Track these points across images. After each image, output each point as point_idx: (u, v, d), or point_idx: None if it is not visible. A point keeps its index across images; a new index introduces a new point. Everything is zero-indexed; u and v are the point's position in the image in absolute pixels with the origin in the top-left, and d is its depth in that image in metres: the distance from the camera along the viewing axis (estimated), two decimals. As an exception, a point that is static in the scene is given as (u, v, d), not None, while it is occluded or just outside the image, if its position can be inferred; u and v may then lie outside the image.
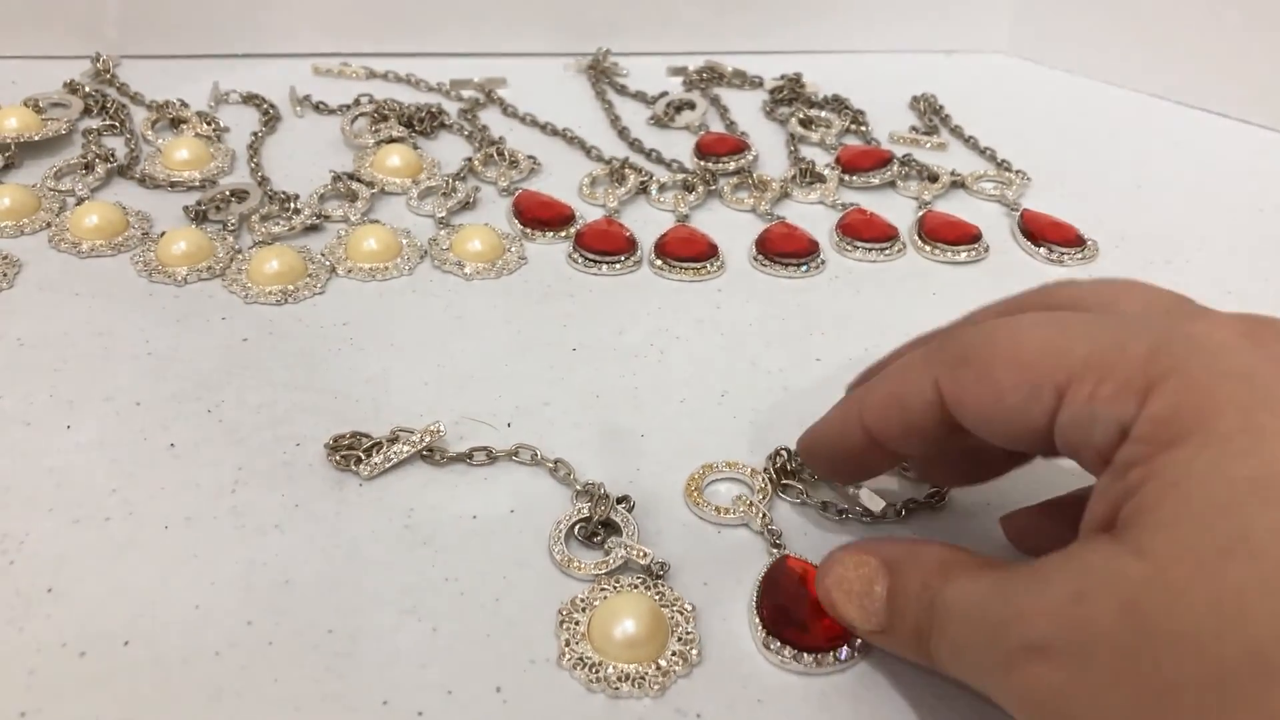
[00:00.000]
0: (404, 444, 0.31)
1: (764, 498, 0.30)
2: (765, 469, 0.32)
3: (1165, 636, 0.18)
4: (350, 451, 0.31)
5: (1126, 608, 0.18)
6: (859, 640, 0.26)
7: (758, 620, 0.26)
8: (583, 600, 0.27)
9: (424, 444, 0.31)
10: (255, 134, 0.52)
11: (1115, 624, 0.18)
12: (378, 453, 0.31)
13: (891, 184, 0.51)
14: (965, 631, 0.22)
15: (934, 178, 0.51)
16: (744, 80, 0.63)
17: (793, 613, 0.26)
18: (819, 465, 0.29)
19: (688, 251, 0.43)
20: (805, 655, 0.25)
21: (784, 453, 0.32)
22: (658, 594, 0.27)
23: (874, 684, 0.26)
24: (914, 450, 0.26)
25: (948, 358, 0.24)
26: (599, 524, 0.29)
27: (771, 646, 0.26)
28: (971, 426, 0.23)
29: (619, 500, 0.30)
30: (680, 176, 0.50)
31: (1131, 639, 0.18)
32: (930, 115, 0.59)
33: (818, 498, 0.31)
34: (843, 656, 0.26)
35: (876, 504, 0.30)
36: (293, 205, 0.45)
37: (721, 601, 0.27)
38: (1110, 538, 0.20)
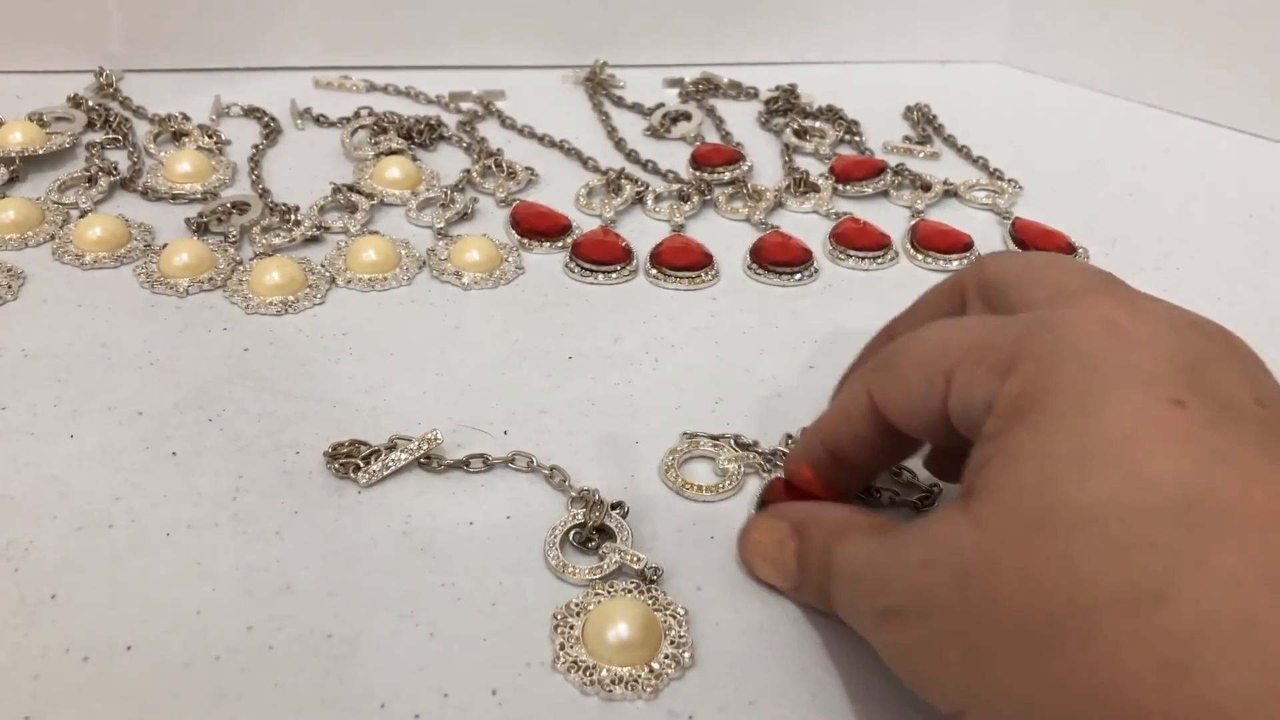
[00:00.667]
0: (402, 452, 0.32)
1: (740, 466, 0.32)
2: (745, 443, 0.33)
3: (986, 601, 0.20)
4: (349, 459, 0.32)
5: (960, 575, 0.21)
6: None
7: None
8: (577, 605, 0.27)
9: (421, 452, 0.32)
10: (256, 147, 0.52)
11: (950, 590, 0.21)
12: (376, 460, 0.32)
13: (885, 193, 0.52)
14: (848, 591, 0.25)
15: (927, 187, 0.51)
16: (739, 91, 0.64)
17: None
18: (822, 473, 0.31)
19: (683, 261, 0.43)
20: None
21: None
22: (651, 598, 0.28)
23: (867, 685, 0.26)
24: (867, 462, 0.28)
25: (874, 367, 0.27)
26: (593, 530, 0.30)
27: None
28: (895, 423, 0.26)
29: (613, 506, 0.30)
30: (676, 186, 0.51)
31: (961, 603, 0.20)
32: (924, 125, 0.60)
33: None
34: None
35: None
36: (293, 217, 0.45)
37: (714, 605, 0.28)
38: (960, 506, 0.22)
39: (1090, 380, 0.21)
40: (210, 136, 0.53)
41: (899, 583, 0.22)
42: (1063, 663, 0.18)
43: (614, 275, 0.43)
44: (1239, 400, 0.20)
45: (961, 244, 0.46)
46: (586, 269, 0.43)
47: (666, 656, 0.26)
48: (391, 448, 0.32)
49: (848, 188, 0.51)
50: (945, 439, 0.25)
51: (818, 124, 0.58)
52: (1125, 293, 0.25)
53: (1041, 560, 0.19)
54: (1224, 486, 0.18)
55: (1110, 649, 0.18)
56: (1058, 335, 0.22)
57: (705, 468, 0.33)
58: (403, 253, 0.43)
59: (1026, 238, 0.47)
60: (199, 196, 0.48)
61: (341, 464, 0.31)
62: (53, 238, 0.43)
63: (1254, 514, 0.18)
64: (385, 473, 0.31)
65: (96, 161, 0.49)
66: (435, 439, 0.32)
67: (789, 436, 0.34)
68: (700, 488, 0.32)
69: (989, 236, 0.48)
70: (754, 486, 0.32)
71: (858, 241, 0.46)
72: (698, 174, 0.52)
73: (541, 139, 0.56)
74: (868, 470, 0.29)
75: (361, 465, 0.31)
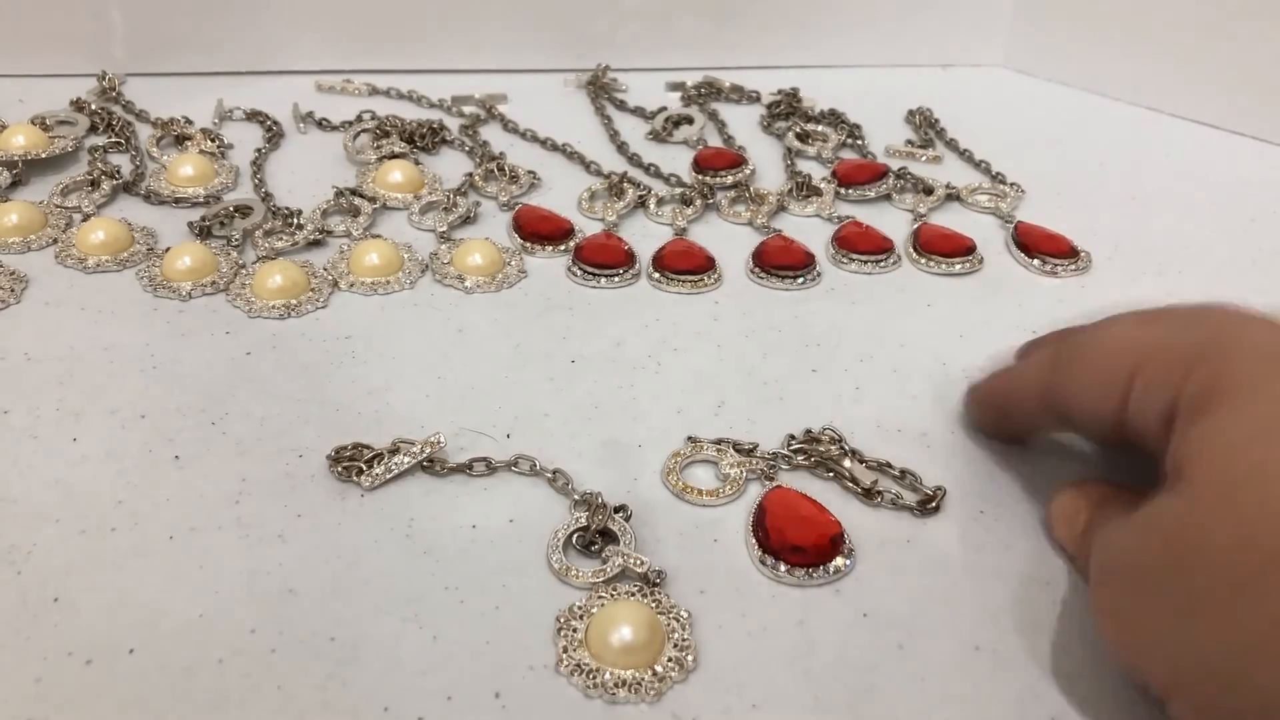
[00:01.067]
0: (405, 455, 0.32)
1: (743, 470, 0.32)
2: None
3: (1195, 557, 0.22)
4: (352, 463, 0.32)
5: (1167, 541, 0.22)
6: (850, 551, 0.29)
7: (754, 541, 0.30)
8: (580, 608, 0.27)
9: (424, 455, 0.32)
10: (259, 150, 0.52)
11: (1160, 551, 0.23)
12: (379, 464, 0.31)
13: (887, 197, 0.52)
14: (1092, 562, 0.26)
15: (929, 190, 0.51)
16: (741, 95, 0.64)
17: (786, 533, 0.29)
18: (986, 417, 0.34)
19: (685, 264, 0.43)
20: (798, 569, 0.29)
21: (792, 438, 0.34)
22: (654, 601, 0.28)
23: (870, 689, 0.26)
24: (1035, 425, 0.32)
25: (1056, 357, 0.30)
26: (596, 533, 0.30)
27: (767, 563, 0.29)
28: (1067, 416, 0.29)
29: (616, 509, 0.30)
30: (678, 190, 0.51)
31: (1171, 561, 0.22)
32: (926, 129, 0.60)
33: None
34: (834, 568, 0.29)
35: (867, 478, 0.32)
36: (296, 220, 0.45)
37: (717, 609, 0.28)
38: (1165, 490, 0.24)
39: (1274, 370, 0.23)
40: (213, 140, 0.53)
41: (1114, 554, 0.24)
42: (1276, 605, 0.20)
43: (616, 279, 0.43)
44: None
45: (964, 248, 0.46)
46: (589, 273, 0.43)
47: (669, 659, 0.26)
48: (394, 451, 0.32)
49: (850, 191, 0.51)
50: (1112, 438, 0.27)
51: (820, 128, 0.58)
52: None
53: (1255, 512, 0.21)
54: None
55: None
56: (1239, 336, 0.24)
57: (707, 472, 0.33)
58: (405, 256, 0.43)
59: (1029, 241, 0.47)
60: (201, 200, 0.48)
61: (344, 467, 0.31)
62: (55, 241, 0.43)
63: None
64: (388, 476, 0.31)
65: (99, 165, 0.49)
66: (438, 442, 0.32)
67: (791, 438, 0.34)
68: (701, 492, 0.32)
69: (991, 240, 0.48)
70: (755, 491, 0.32)
71: (860, 245, 0.46)
72: (700, 178, 0.52)
73: (544, 143, 0.56)
74: (1031, 431, 0.33)
75: (364, 468, 0.31)
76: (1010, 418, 0.33)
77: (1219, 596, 0.21)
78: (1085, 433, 0.31)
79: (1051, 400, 0.29)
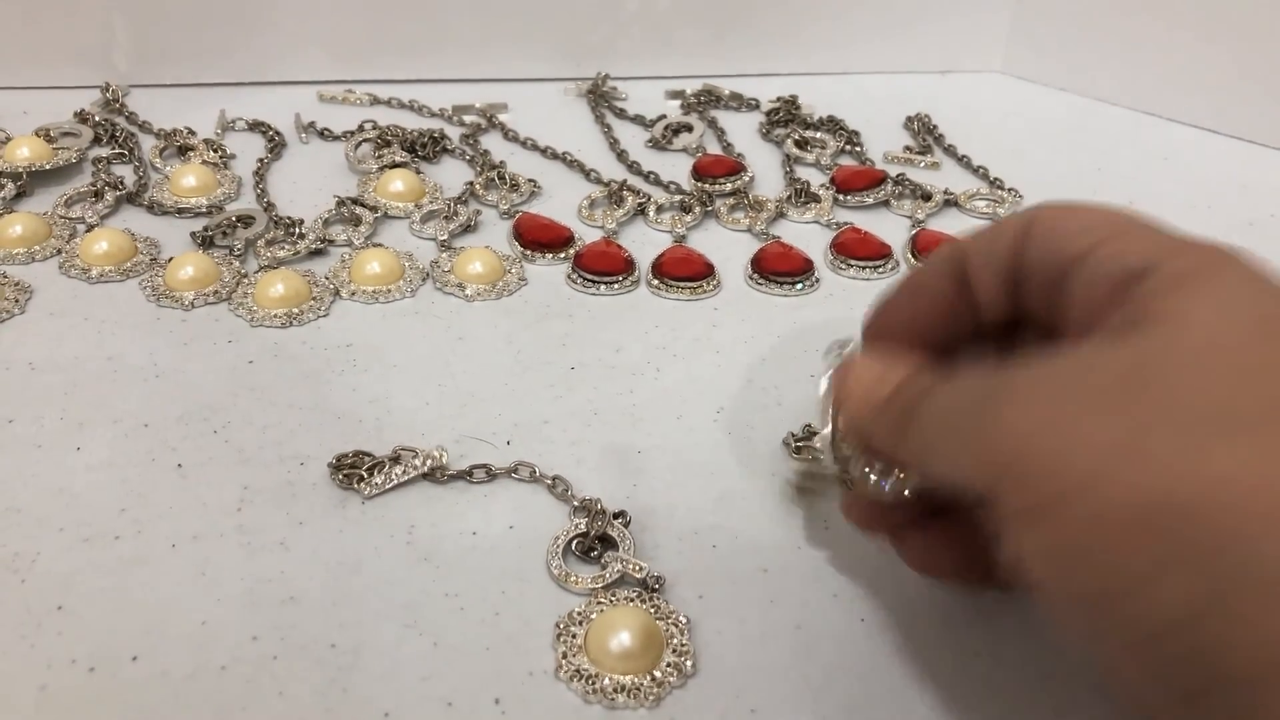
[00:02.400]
0: (406, 467, 0.32)
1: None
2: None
3: (1167, 379, 0.19)
4: (353, 470, 0.32)
5: (1132, 366, 0.19)
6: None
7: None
8: (580, 614, 0.27)
9: (425, 469, 0.32)
10: (261, 160, 0.53)
11: (1120, 378, 0.19)
12: (379, 473, 0.32)
13: (885, 203, 0.52)
14: (943, 420, 0.23)
15: (927, 196, 0.52)
16: (740, 102, 0.64)
17: None
18: (881, 329, 0.29)
19: (684, 271, 0.44)
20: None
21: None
22: (653, 607, 0.28)
23: (868, 694, 0.26)
24: (988, 306, 0.26)
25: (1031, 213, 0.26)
26: (596, 539, 0.30)
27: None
28: (979, 276, 0.26)
29: (615, 515, 0.30)
30: (678, 198, 0.51)
31: (1135, 384, 0.19)
32: (924, 135, 0.60)
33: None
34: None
35: (829, 458, 0.30)
36: (297, 230, 0.46)
37: (716, 614, 0.28)
38: (1102, 337, 0.21)
39: (1254, 269, 0.21)
40: (215, 151, 0.53)
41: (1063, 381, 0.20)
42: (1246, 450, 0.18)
43: (616, 286, 0.43)
44: None
45: (962, 253, 0.46)
46: (589, 280, 0.43)
47: (668, 665, 0.26)
48: (395, 459, 0.32)
49: (848, 198, 0.51)
50: (1014, 305, 0.25)
51: (819, 134, 0.59)
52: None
53: (1216, 361, 0.19)
54: None
55: None
56: (1225, 255, 0.22)
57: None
58: (406, 265, 0.44)
59: (1027, 246, 0.47)
60: (204, 210, 0.48)
61: (345, 475, 0.32)
62: (59, 252, 0.44)
63: None
64: (388, 485, 0.31)
65: (103, 176, 0.49)
66: (440, 457, 0.32)
67: (792, 435, 0.34)
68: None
69: (989, 245, 0.48)
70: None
71: (859, 251, 0.46)
72: (699, 185, 0.52)
73: (544, 151, 0.56)
74: (973, 321, 0.27)
75: (365, 476, 0.32)
76: (969, 271, 0.27)
77: (1188, 424, 0.18)
78: (988, 294, 0.26)
79: (1015, 250, 0.25)
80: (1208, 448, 0.18)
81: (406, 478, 0.32)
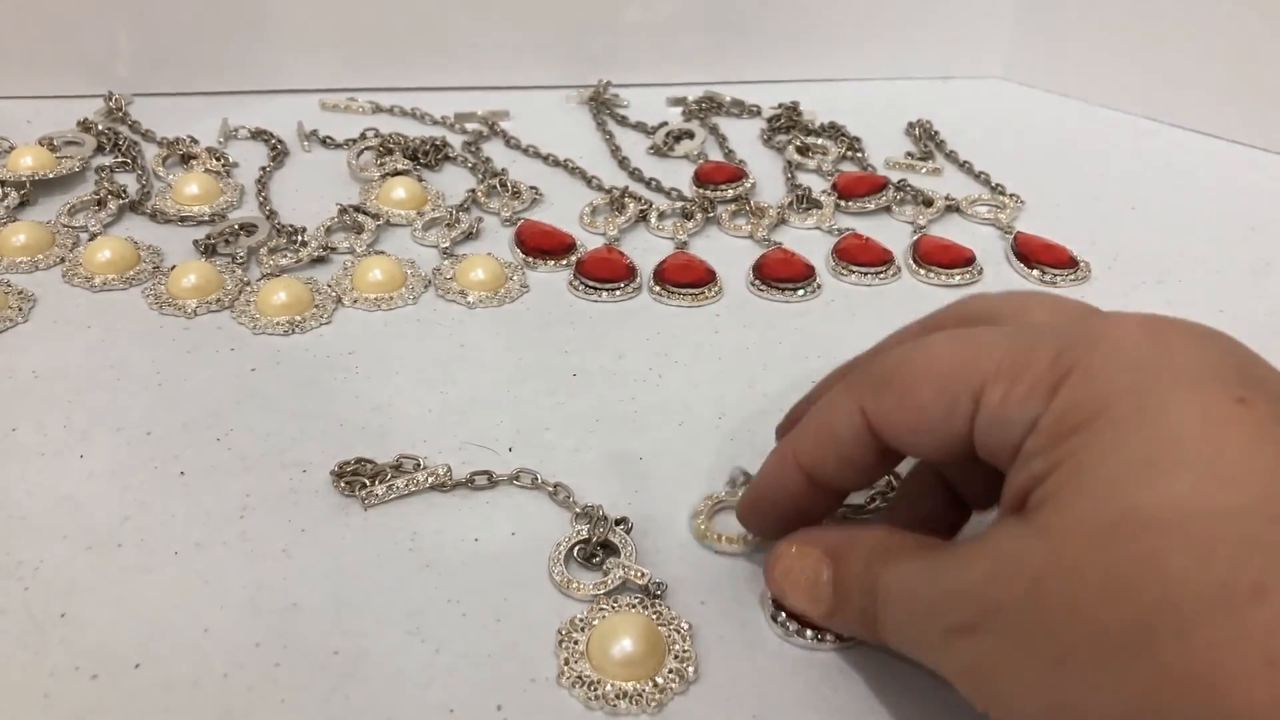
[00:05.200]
0: (409, 481, 0.32)
1: None
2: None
3: (1065, 608, 0.19)
4: (355, 477, 0.32)
5: (1032, 583, 0.20)
6: None
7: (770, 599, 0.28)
8: (582, 620, 0.27)
9: (427, 484, 0.32)
10: (263, 169, 0.53)
11: (1023, 600, 0.20)
12: (381, 482, 0.32)
13: (887, 209, 0.52)
14: (904, 613, 0.23)
15: (929, 202, 0.52)
16: (742, 109, 0.64)
17: None
18: (763, 525, 0.29)
19: (686, 278, 0.44)
20: (807, 630, 0.27)
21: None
22: (655, 613, 0.28)
23: (870, 700, 0.26)
24: (850, 484, 0.27)
25: (870, 384, 0.25)
26: (597, 545, 0.30)
27: (778, 620, 0.27)
28: (899, 445, 0.25)
29: (617, 522, 0.30)
30: (679, 204, 0.51)
31: (1037, 611, 0.20)
32: (925, 141, 0.60)
33: None
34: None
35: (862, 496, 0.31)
36: (300, 238, 0.46)
37: (718, 620, 0.28)
38: (1020, 519, 0.21)
39: (1149, 385, 0.20)
40: (218, 159, 0.53)
41: (966, 598, 0.21)
42: (1155, 665, 0.18)
43: (618, 293, 0.43)
44: None
45: (963, 259, 0.46)
46: (590, 287, 0.43)
47: (670, 671, 0.26)
48: (397, 467, 0.32)
49: (850, 204, 0.52)
50: (956, 460, 0.24)
51: (820, 141, 0.59)
52: (1123, 312, 0.24)
53: (1125, 562, 0.19)
54: None
55: (1209, 648, 0.17)
56: (1103, 345, 0.21)
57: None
58: (408, 272, 0.44)
59: (1028, 252, 0.47)
60: (207, 218, 0.48)
61: (348, 482, 0.32)
62: (63, 260, 0.44)
63: None
64: (390, 497, 0.31)
65: (106, 185, 0.49)
66: (444, 475, 0.32)
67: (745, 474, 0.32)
68: (732, 539, 0.30)
69: (991, 251, 0.48)
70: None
71: (860, 257, 0.46)
72: (701, 191, 0.52)
73: (546, 158, 0.56)
74: (845, 492, 0.28)
75: (368, 483, 0.32)
76: (827, 477, 0.27)
77: (1093, 653, 0.19)
78: (922, 456, 0.27)
79: (873, 432, 0.25)
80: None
81: (409, 491, 0.32)
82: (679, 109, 0.64)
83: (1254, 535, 0.18)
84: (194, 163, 0.53)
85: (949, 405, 0.23)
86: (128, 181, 0.51)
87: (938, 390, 0.23)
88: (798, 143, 0.58)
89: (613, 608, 0.28)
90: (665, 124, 0.61)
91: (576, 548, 0.30)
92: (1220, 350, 0.21)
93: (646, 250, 0.47)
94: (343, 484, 0.32)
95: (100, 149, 0.54)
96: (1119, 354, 0.21)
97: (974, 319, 0.26)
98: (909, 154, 0.58)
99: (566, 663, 0.26)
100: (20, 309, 0.40)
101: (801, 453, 0.27)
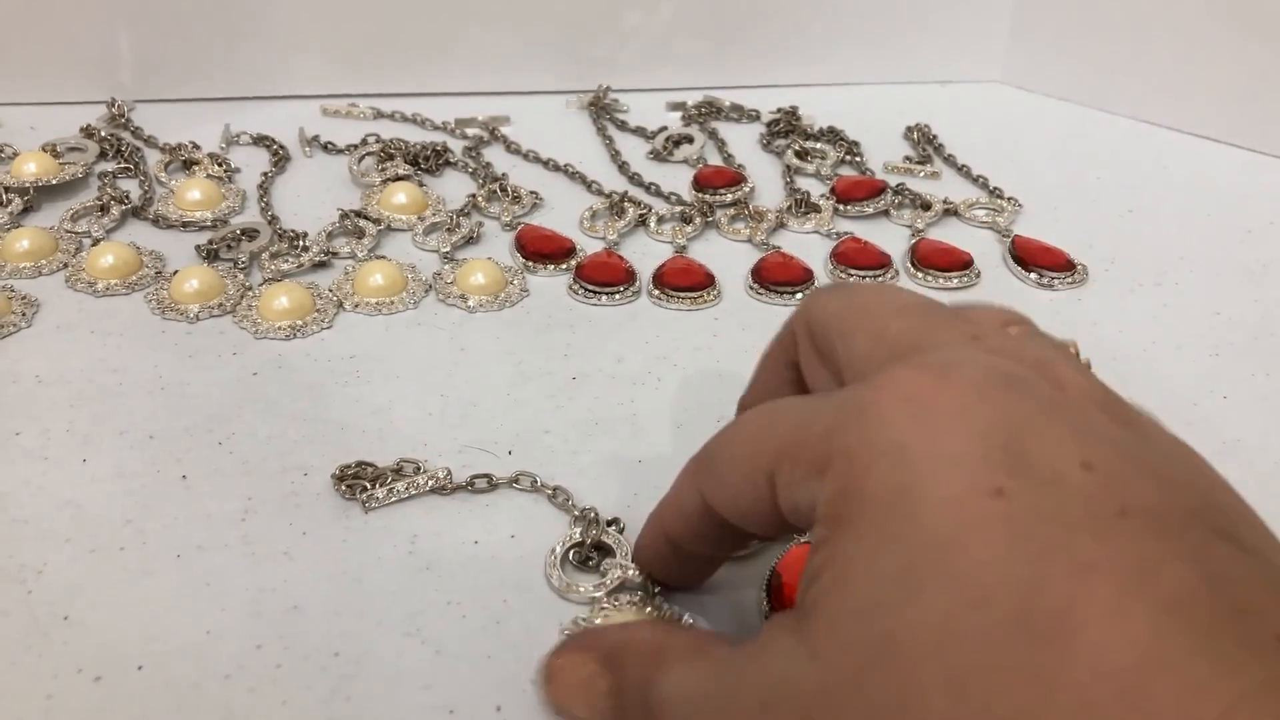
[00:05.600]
0: (410, 484, 0.32)
1: None
2: None
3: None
4: (356, 481, 0.32)
5: (803, 716, 0.19)
6: None
7: (765, 595, 0.28)
8: (584, 620, 0.28)
9: (428, 487, 0.32)
10: (265, 174, 0.53)
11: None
12: (382, 485, 0.32)
13: (885, 213, 0.52)
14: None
15: (927, 206, 0.52)
16: (741, 114, 0.64)
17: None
18: (666, 578, 0.29)
19: (685, 281, 0.44)
20: None
21: None
22: (654, 609, 0.28)
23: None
24: (720, 550, 0.27)
25: (698, 464, 0.25)
26: (592, 547, 0.30)
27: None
28: (736, 523, 0.24)
29: (609, 523, 0.31)
30: (678, 209, 0.51)
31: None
32: (924, 145, 0.60)
33: None
34: None
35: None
36: (301, 243, 0.46)
37: (717, 617, 0.28)
38: (794, 628, 0.20)
39: (903, 478, 0.19)
40: (220, 165, 0.54)
41: (734, 711, 0.20)
42: None
43: (617, 296, 0.44)
44: (1064, 472, 0.18)
45: (961, 262, 0.46)
46: (590, 291, 0.44)
47: (669, 672, 0.26)
48: (398, 470, 0.33)
49: (848, 208, 0.52)
50: (792, 531, 0.23)
51: (819, 145, 0.59)
52: (937, 346, 0.22)
53: (886, 698, 0.18)
54: (1056, 587, 0.17)
55: None
56: (864, 424, 0.20)
57: None
58: (409, 277, 0.44)
59: (1026, 255, 0.47)
60: (209, 224, 0.49)
61: (349, 485, 0.32)
62: (66, 266, 0.44)
63: (1093, 614, 0.16)
64: (391, 499, 0.32)
65: (108, 190, 0.50)
66: (445, 479, 0.32)
67: None
68: None
69: (989, 254, 0.48)
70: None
71: (859, 261, 0.46)
72: (700, 196, 0.52)
73: (546, 163, 0.57)
74: (716, 559, 0.28)
75: (369, 486, 0.32)
76: (686, 547, 0.27)
77: None
78: (761, 535, 0.25)
79: (712, 510, 0.24)
80: None
81: (410, 494, 0.32)
82: (678, 114, 0.64)
83: (1005, 660, 0.17)
84: (196, 168, 0.53)
85: (754, 488, 0.22)
86: (130, 187, 0.51)
87: (742, 474, 0.23)
88: (796, 147, 0.58)
89: (614, 605, 0.28)
90: (665, 129, 0.61)
91: (571, 550, 0.30)
92: (985, 423, 0.19)
93: (646, 254, 0.47)
94: (344, 487, 0.32)
95: (103, 155, 0.54)
96: (879, 434, 0.20)
97: (817, 332, 0.25)
98: (907, 158, 0.59)
99: (566, 664, 0.26)
100: (24, 314, 0.40)
101: (666, 524, 0.27)
